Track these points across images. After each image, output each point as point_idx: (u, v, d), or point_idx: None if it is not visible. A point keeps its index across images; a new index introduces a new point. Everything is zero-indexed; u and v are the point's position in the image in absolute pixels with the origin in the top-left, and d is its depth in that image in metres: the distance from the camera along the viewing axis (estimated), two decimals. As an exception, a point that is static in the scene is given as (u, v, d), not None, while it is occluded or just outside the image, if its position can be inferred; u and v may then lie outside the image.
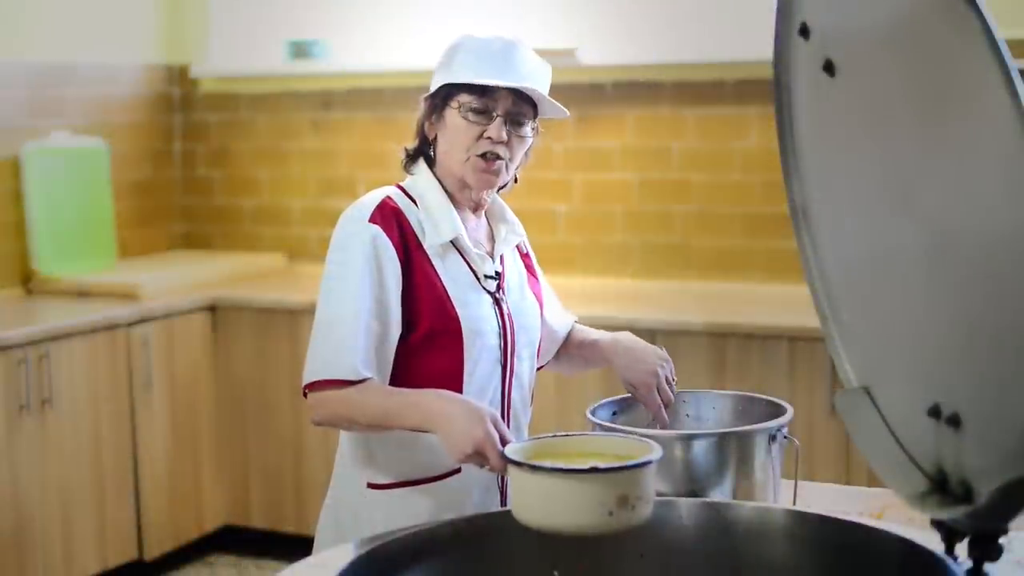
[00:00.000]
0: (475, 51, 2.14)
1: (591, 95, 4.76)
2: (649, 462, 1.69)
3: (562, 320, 2.43)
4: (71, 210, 4.84)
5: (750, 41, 4.42)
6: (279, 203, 5.39)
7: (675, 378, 2.26)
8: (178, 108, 5.48)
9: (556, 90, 2.24)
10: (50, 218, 4.75)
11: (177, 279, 4.82)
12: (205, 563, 4.71)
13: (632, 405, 2.25)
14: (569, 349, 2.43)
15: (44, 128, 4.82)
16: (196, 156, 5.51)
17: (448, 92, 2.15)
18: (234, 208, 5.48)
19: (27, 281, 4.74)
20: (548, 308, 2.40)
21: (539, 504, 1.68)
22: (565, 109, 2.17)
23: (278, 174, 5.38)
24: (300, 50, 5.14)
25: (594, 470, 1.66)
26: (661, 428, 2.20)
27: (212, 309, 4.68)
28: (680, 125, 4.68)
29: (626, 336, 2.33)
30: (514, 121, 2.14)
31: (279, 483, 4.65)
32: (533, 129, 2.18)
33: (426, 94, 2.20)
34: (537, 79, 2.15)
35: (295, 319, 4.52)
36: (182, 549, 4.61)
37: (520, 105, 2.14)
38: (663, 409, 2.23)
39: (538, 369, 2.40)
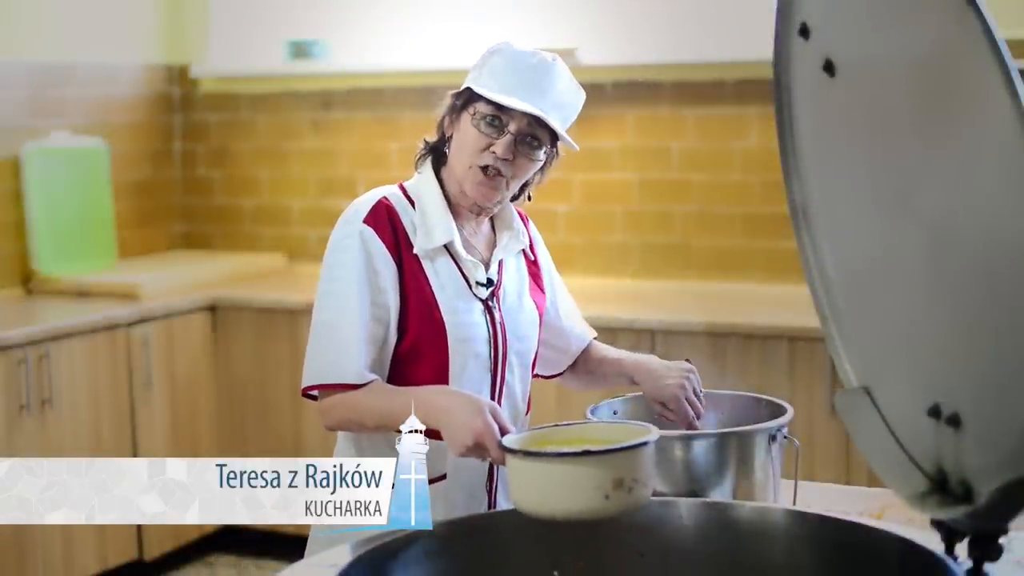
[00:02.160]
0: (508, 62, 2.09)
1: (591, 95, 4.67)
2: (643, 444, 1.69)
3: (578, 331, 2.39)
4: (71, 210, 4.84)
5: (750, 41, 4.42)
6: (279, 203, 5.39)
7: (702, 389, 2.24)
8: (178, 108, 5.48)
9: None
10: (50, 218, 4.75)
11: (177, 279, 4.82)
12: (205, 563, 4.71)
13: (633, 405, 2.25)
14: (589, 365, 2.39)
15: (44, 128, 4.82)
16: (196, 156, 5.51)
17: (470, 96, 2.11)
18: (234, 208, 5.48)
19: (27, 281, 4.74)
20: (564, 315, 2.36)
21: (536, 491, 1.69)
22: (575, 145, 2.12)
23: (278, 174, 5.38)
24: (300, 50, 5.14)
25: (587, 453, 1.66)
26: None
27: (212, 309, 4.68)
28: (680, 125, 4.67)
29: (651, 358, 2.29)
30: (525, 142, 2.09)
31: (279, 483, 4.65)
32: (547, 154, 2.14)
33: (454, 90, 2.15)
34: (563, 106, 2.11)
35: (295, 319, 4.52)
36: (182, 549, 4.61)
37: (535, 128, 2.09)
38: (696, 421, 2.20)
39: (550, 377, 2.40)
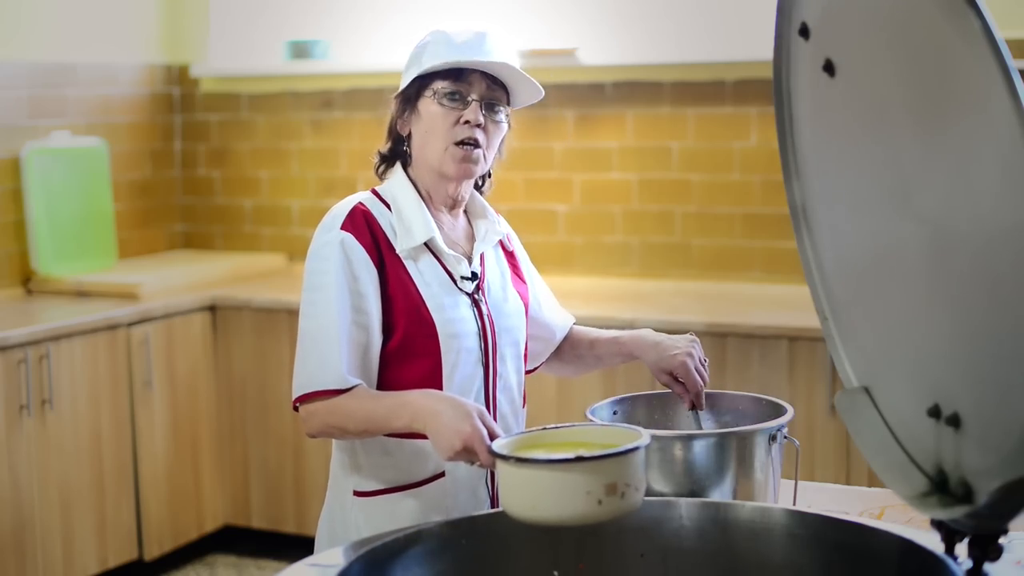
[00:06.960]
0: (444, 41, 2.16)
1: (591, 95, 4.76)
2: (635, 448, 1.68)
3: (560, 320, 2.41)
4: (71, 210, 4.84)
5: (750, 41, 4.42)
6: (279, 203, 5.39)
7: (706, 359, 2.26)
8: (178, 108, 5.48)
9: (556, 90, 2.24)
10: (50, 218, 4.75)
11: (177, 279, 4.82)
12: (205, 563, 4.71)
13: (633, 405, 2.25)
14: (578, 349, 2.41)
15: (44, 128, 4.82)
16: (196, 156, 5.51)
17: (421, 83, 2.16)
18: (234, 208, 5.48)
19: (27, 281, 4.74)
20: (545, 306, 2.39)
21: (528, 497, 1.67)
22: (540, 87, 2.17)
23: (278, 174, 5.38)
24: (300, 50, 5.14)
25: (580, 459, 1.65)
26: (700, 410, 2.21)
27: (212, 309, 4.68)
28: (680, 125, 4.68)
29: (649, 332, 2.32)
30: (489, 106, 2.15)
31: (279, 483, 4.65)
32: (507, 116, 2.19)
33: (396, 92, 2.20)
34: (511, 59, 2.16)
35: (295, 319, 4.47)
36: (182, 549, 4.61)
37: (494, 90, 2.15)
38: (703, 392, 2.22)
39: (531, 371, 2.40)
